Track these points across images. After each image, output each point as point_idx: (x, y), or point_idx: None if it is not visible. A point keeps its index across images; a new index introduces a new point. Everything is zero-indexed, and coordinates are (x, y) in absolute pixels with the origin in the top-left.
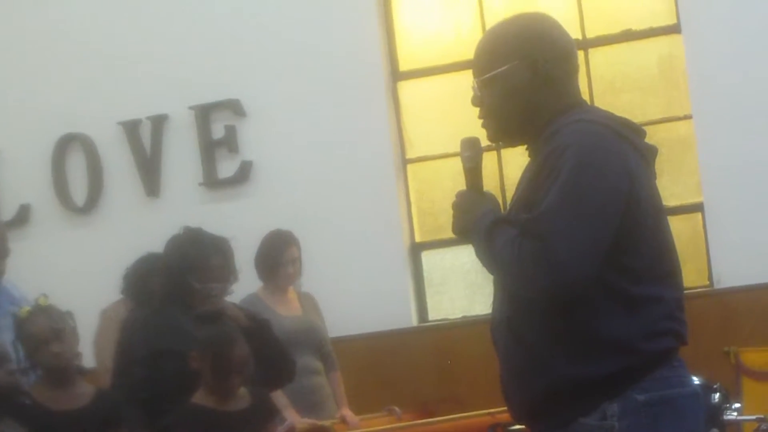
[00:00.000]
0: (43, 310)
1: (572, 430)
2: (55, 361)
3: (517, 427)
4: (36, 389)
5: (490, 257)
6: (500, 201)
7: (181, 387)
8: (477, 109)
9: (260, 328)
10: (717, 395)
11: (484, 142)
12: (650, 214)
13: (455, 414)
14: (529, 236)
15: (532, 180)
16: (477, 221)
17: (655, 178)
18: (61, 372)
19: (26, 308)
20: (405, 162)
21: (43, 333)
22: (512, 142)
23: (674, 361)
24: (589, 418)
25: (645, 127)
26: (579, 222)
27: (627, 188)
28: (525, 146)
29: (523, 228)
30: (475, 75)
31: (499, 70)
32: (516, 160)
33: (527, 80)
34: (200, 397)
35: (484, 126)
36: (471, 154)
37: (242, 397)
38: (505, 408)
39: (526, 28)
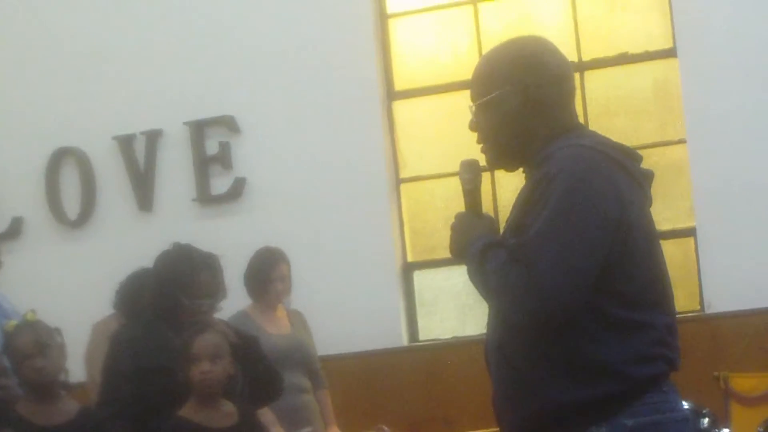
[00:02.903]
0: (29, 326)
1: None
2: (38, 377)
3: None
4: (21, 403)
5: (481, 281)
6: None
7: (169, 403)
8: (469, 130)
9: (248, 346)
10: (706, 420)
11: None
12: (642, 241)
13: None
14: (517, 262)
15: (524, 204)
16: (470, 244)
17: (651, 203)
18: (45, 387)
19: (13, 322)
20: (399, 181)
21: (27, 348)
22: (510, 167)
23: (664, 386)
24: None
25: (638, 151)
26: (567, 249)
27: (617, 214)
28: (513, 170)
29: (512, 253)
30: (472, 100)
31: (492, 95)
32: (511, 183)
33: (519, 105)
34: (187, 412)
35: (483, 152)
36: (470, 177)
37: (229, 413)
38: (494, 429)
39: (519, 53)
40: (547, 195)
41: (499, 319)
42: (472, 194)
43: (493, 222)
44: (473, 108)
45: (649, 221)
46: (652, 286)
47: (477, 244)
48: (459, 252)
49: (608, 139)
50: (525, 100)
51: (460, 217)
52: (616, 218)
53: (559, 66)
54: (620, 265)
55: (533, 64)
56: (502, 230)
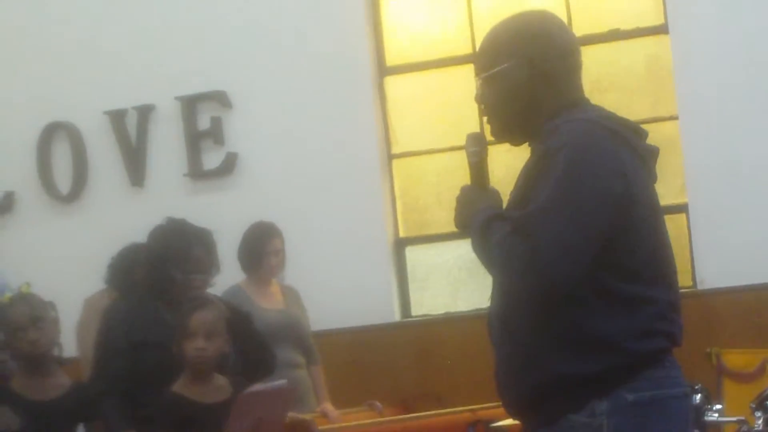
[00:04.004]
0: (24, 298)
1: (561, 426)
2: (32, 349)
3: (498, 423)
4: (15, 379)
5: (484, 253)
6: None
7: (161, 378)
8: (462, 105)
9: (241, 321)
10: (698, 396)
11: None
12: (646, 216)
13: (435, 410)
14: (519, 234)
15: (528, 177)
16: (475, 216)
17: (656, 180)
18: (38, 361)
19: (8, 295)
20: (390, 157)
21: (21, 320)
22: (515, 141)
23: (666, 361)
24: (579, 415)
25: None
26: (568, 222)
27: (621, 189)
28: (518, 144)
29: (514, 226)
30: (477, 73)
31: (498, 68)
32: (502, 159)
33: (525, 78)
34: (180, 387)
35: (488, 124)
36: (476, 150)
37: (222, 388)
38: (485, 405)
39: (525, 26)
40: (551, 168)
41: (502, 291)
42: (477, 167)
43: (498, 195)
44: (479, 81)
45: (653, 197)
46: (655, 262)
47: (481, 217)
48: (463, 224)
49: (614, 114)
50: (531, 74)
51: (465, 190)
52: (619, 192)
53: (566, 40)
54: (623, 239)
55: (540, 37)
56: (505, 204)
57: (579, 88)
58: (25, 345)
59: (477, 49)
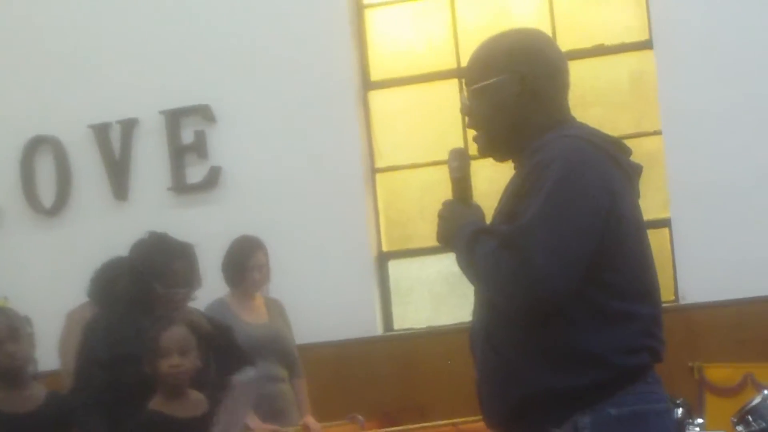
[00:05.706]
0: (1, 311)
1: None
2: (9, 362)
3: None
4: None
5: (470, 267)
6: None
7: (141, 391)
8: (446, 120)
9: (221, 334)
10: (680, 410)
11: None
12: (631, 232)
13: (418, 423)
14: (509, 249)
15: (515, 192)
16: (459, 231)
17: (639, 196)
18: (14, 374)
19: None
20: (374, 171)
21: None
22: (499, 156)
23: (649, 377)
24: (561, 429)
25: None
26: (558, 237)
27: (608, 205)
28: (503, 160)
29: (503, 240)
30: (466, 84)
31: (488, 82)
32: (485, 173)
33: (515, 94)
34: (157, 404)
35: (474, 139)
36: (458, 165)
37: (199, 402)
38: (467, 418)
39: (519, 42)
40: (540, 183)
41: (486, 305)
42: (460, 183)
43: (480, 210)
44: (467, 93)
45: (638, 213)
46: (640, 277)
47: (466, 231)
48: (447, 239)
49: (600, 132)
50: (521, 90)
51: (447, 205)
52: (607, 209)
53: (557, 59)
54: (610, 255)
55: (532, 54)
56: (489, 219)
57: (566, 107)
58: (4, 358)
59: (466, 62)
